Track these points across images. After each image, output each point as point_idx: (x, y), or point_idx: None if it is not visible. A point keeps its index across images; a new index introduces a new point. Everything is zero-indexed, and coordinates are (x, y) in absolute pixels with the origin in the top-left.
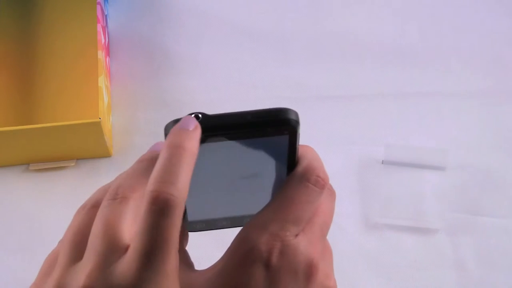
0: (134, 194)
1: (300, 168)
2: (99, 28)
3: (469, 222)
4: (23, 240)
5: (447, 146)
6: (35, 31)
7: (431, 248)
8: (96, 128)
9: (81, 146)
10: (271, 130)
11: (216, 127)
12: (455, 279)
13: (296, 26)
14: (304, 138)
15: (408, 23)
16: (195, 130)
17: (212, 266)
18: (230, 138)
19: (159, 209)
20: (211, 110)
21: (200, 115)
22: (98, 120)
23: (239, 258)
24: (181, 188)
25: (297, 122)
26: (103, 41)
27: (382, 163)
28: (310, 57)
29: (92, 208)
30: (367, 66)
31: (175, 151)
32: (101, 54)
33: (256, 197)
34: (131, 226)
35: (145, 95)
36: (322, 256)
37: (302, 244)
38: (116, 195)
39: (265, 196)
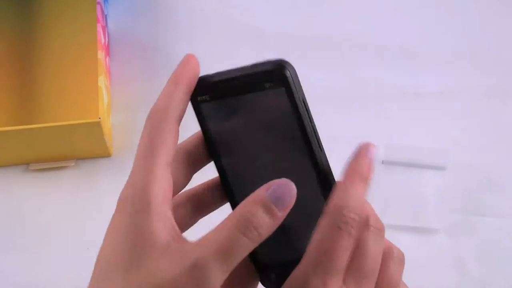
0: None
1: (328, 208)
2: (99, 28)
3: (469, 222)
4: (23, 240)
5: (447, 146)
6: (35, 31)
7: (431, 248)
8: (96, 128)
9: (81, 146)
10: (263, 75)
11: (216, 84)
12: (455, 279)
13: (296, 26)
14: None
15: (408, 23)
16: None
17: None
18: (231, 94)
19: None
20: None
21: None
22: (98, 120)
23: None
24: None
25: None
26: (103, 41)
27: (382, 163)
28: (310, 57)
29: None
30: (367, 66)
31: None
32: (101, 54)
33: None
34: None
35: (145, 95)
36: None
37: None
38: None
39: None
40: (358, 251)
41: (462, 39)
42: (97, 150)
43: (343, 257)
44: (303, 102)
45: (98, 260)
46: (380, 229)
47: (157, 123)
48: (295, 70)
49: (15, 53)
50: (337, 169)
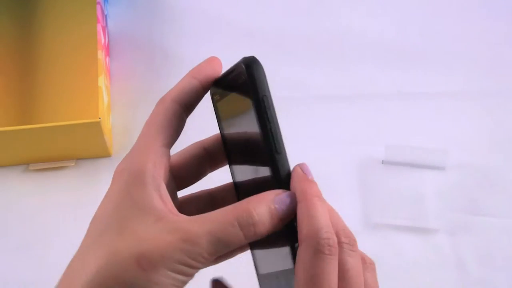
0: None
1: (301, 236)
2: (99, 28)
3: (469, 222)
4: (23, 240)
5: (447, 146)
6: (35, 31)
7: (431, 248)
8: (96, 128)
9: (81, 146)
10: (235, 73)
11: (217, 83)
12: (455, 279)
13: (296, 26)
14: (304, 138)
15: (408, 23)
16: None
17: None
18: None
19: None
20: (210, 110)
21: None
22: (98, 120)
23: None
24: None
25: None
26: (103, 41)
27: (382, 163)
28: (310, 57)
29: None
30: (367, 66)
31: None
32: (101, 54)
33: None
34: None
35: (145, 95)
36: None
37: None
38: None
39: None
40: (339, 274)
41: (462, 40)
42: (97, 150)
43: (332, 280)
44: (263, 100)
45: (91, 223)
46: (352, 243)
47: (164, 107)
48: (261, 67)
49: (15, 53)
50: (338, 168)
